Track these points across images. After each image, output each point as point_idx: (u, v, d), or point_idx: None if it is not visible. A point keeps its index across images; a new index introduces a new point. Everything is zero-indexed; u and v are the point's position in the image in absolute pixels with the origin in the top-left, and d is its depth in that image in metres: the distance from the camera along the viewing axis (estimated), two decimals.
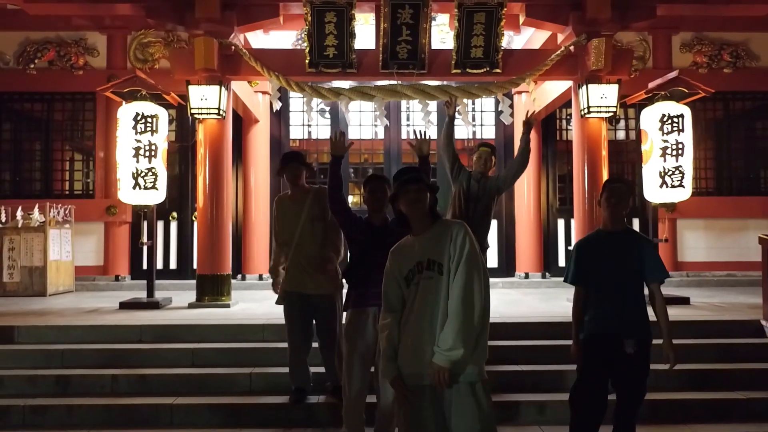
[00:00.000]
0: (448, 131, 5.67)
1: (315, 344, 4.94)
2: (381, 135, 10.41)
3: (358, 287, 3.98)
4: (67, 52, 9.98)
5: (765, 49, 10.33)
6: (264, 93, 9.92)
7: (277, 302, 4.87)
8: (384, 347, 2.91)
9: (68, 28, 9.85)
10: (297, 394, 4.85)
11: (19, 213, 9.00)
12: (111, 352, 5.53)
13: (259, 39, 9.07)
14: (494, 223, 10.43)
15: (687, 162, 7.25)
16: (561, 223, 10.40)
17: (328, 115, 10.65)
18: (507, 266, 10.37)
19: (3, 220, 9.02)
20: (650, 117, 7.37)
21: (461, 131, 9.67)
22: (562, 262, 10.23)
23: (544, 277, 10.16)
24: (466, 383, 2.76)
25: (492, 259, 10.25)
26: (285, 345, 5.03)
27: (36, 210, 8.90)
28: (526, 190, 10.29)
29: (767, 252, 5.93)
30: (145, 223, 7.51)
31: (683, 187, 7.23)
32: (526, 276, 10.10)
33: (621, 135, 10.54)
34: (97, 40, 10.07)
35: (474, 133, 10.69)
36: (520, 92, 10.02)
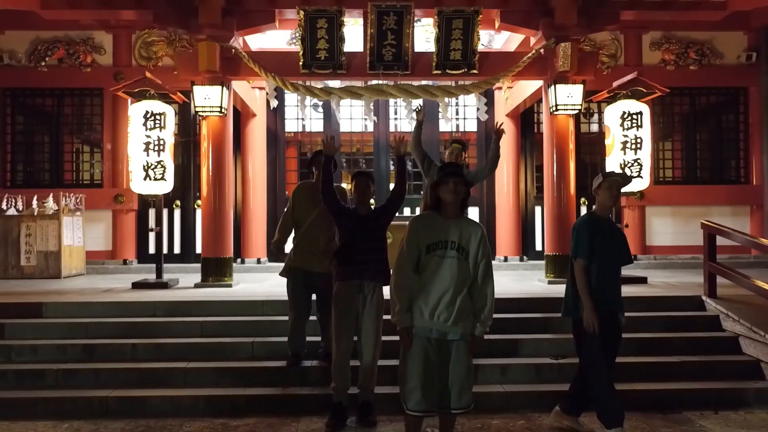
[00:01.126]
0: (417, 135, 6.34)
1: (312, 317, 5.69)
2: (371, 128, 11.12)
3: (346, 264, 4.72)
4: (76, 50, 10.64)
5: (728, 47, 11.06)
6: (261, 88, 10.62)
7: (281, 274, 5.60)
8: (402, 300, 3.74)
9: (76, 27, 10.49)
10: (293, 358, 5.60)
11: (34, 202, 9.71)
12: (129, 325, 6.28)
13: (256, 38, 9.73)
14: (476, 210, 11.27)
15: (645, 155, 8.02)
16: (538, 210, 11.15)
17: (320, 109, 11.36)
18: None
19: (20, 208, 9.73)
20: (612, 114, 8.13)
21: (446, 125, 10.40)
22: (539, 246, 11.00)
23: (521, 260, 10.95)
24: (463, 341, 3.72)
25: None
26: (282, 318, 5.79)
27: (50, 199, 9.61)
28: (505, 179, 11.05)
29: (707, 236, 6.72)
30: (153, 211, 8.25)
31: (641, 177, 8.00)
32: (506, 259, 10.89)
33: (594, 128, 11.28)
34: (104, 39, 10.73)
35: (458, 126, 11.43)
36: (500, 88, 10.73)
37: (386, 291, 4.18)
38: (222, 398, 5.28)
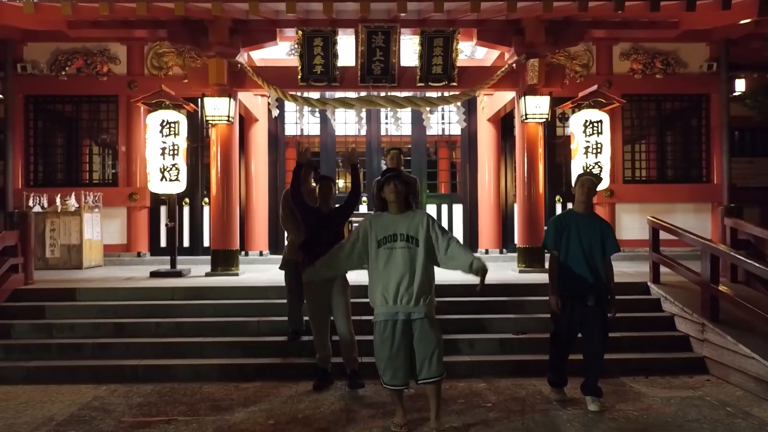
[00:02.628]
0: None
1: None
2: (363, 132, 12.12)
3: (311, 255, 5.44)
4: (93, 60, 11.60)
5: (692, 57, 12.03)
6: (263, 95, 11.60)
7: (280, 267, 6.61)
8: (322, 263, 4.80)
9: (94, 40, 11.45)
10: (293, 334, 6.60)
11: (57, 200, 10.70)
12: (152, 307, 7.30)
13: (259, 50, 10.72)
14: (460, 207, 12.28)
15: (605, 158, 9.03)
16: (517, 207, 12.13)
17: (317, 114, 12.35)
18: (471, 243, 12.15)
19: (44, 206, 10.72)
20: (576, 122, 9.13)
21: (432, 130, 11.39)
22: (517, 240, 11.97)
23: (501, 252, 11.97)
24: (426, 319, 4.44)
25: (458, 238, 12.03)
26: (283, 301, 6.80)
27: (72, 197, 10.60)
28: (487, 178, 12.06)
29: (652, 231, 7.74)
30: (165, 208, 9.23)
31: (602, 178, 8.99)
32: (487, 252, 11.90)
33: (569, 131, 12.24)
34: (119, 50, 11.68)
35: (443, 130, 12.42)
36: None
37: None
38: (233, 366, 6.30)
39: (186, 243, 11.85)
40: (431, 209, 12.31)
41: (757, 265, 5.84)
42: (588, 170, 8.99)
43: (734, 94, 11.76)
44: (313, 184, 6.34)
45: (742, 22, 9.31)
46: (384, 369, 4.51)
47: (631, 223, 12.07)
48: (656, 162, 12.26)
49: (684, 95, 12.19)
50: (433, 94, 9.64)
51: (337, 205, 5.89)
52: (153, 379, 6.12)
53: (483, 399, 5.52)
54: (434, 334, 4.48)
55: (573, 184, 5.44)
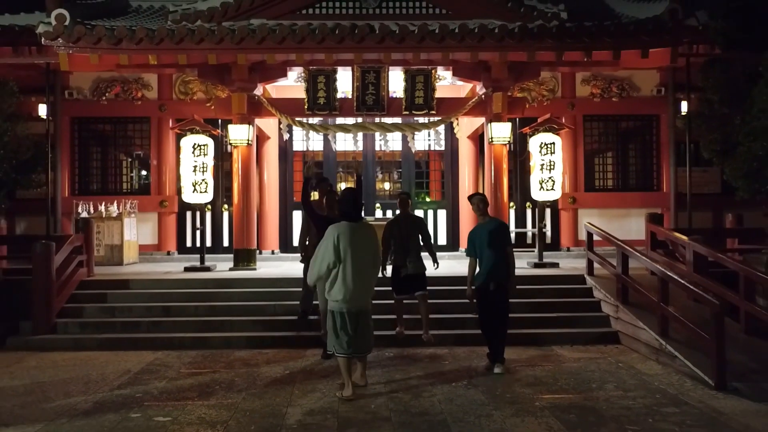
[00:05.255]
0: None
1: None
2: (360, 147, 14.07)
3: None
4: (129, 87, 13.56)
5: (644, 82, 13.90)
6: (274, 116, 13.54)
7: (301, 261, 8.48)
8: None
9: (130, 71, 13.42)
10: (302, 314, 8.52)
11: (102, 206, 12.68)
12: (190, 294, 9.27)
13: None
14: (444, 212, 14.22)
15: (557, 174, 10.96)
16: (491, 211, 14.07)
17: (321, 133, 14.28)
18: (452, 244, 14.08)
19: (90, 211, 12.70)
20: (534, 143, 11.08)
21: (418, 146, 13.37)
22: None
23: None
24: (366, 310, 6.19)
25: (442, 239, 14.03)
26: (294, 289, 8.75)
27: (115, 204, 12.59)
28: (467, 186, 13.96)
29: (589, 234, 9.67)
30: (191, 214, 11.22)
31: (554, 190, 10.95)
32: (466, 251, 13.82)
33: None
34: (151, 78, 13.62)
35: (429, 145, 14.36)
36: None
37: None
38: (256, 338, 8.27)
39: (208, 243, 13.80)
40: (419, 214, 14.20)
41: (645, 258, 7.81)
42: (543, 182, 10.92)
43: (681, 114, 13.66)
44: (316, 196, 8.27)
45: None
46: (339, 344, 6.07)
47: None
48: (614, 173, 14.17)
49: (638, 115, 14.09)
50: (421, 119, 11.58)
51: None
52: (196, 347, 8.09)
53: (442, 360, 7.48)
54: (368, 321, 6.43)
55: (470, 202, 7.37)
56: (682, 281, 7.15)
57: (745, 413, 5.40)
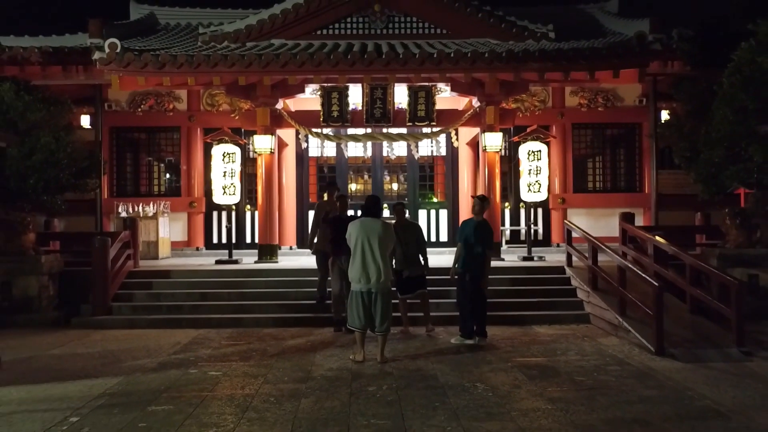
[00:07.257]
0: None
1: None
2: (369, 153, 15.55)
3: (337, 246, 8.80)
4: (162, 100, 15.11)
5: (627, 93, 15.29)
6: (292, 126, 15.07)
7: (312, 253, 9.97)
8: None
9: (165, 87, 14.95)
10: (320, 299, 9.99)
11: (138, 207, 14.23)
12: (223, 282, 10.80)
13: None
14: (445, 211, 15.68)
15: (543, 178, 12.41)
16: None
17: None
18: (453, 240, 15.50)
19: (129, 212, 14.25)
20: (523, 151, 12.53)
21: (421, 152, 14.88)
22: None
23: None
24: (379, 292, 7.58)
25: (443, 235, 15.51)
26: (311, 278, 10.24)
27: (151, 204, 14.15)
28: (466, 188, 15.40)
29: (567, 231, 11.11)
30: (217, 213, 12.82)
31: (540, 192, 12.40)
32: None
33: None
34: (181, 92, 15.16)
35: (432, 151, 15.81)
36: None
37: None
38: (280, 318, 9.76)
39: (233, 239, 15.33)
40: (423, 213, 15.69)
41: (609, 251, 9.26)
42: (530, 185, 12.36)
43: (661, 122, 15.05)
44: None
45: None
46: (353, 319, 7.40)
47: (579, 224, 15.00)
48: (600, 176, 15.60)
49: (622, 123, 15.51)
50: (424, 129, 13.05)
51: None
52: (231, 326, 9.58)
53: (437, 336, 8.95)
54: (385, 301, 7.66)
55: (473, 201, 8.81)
56: (633, 268, 8.60)
57: (672, 370, 6.84)
